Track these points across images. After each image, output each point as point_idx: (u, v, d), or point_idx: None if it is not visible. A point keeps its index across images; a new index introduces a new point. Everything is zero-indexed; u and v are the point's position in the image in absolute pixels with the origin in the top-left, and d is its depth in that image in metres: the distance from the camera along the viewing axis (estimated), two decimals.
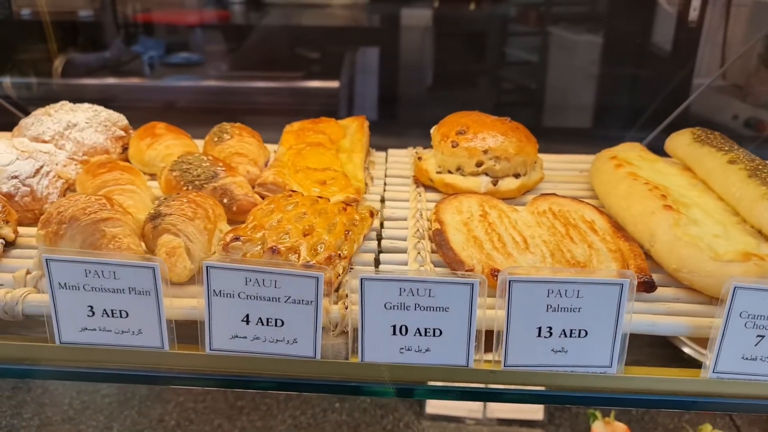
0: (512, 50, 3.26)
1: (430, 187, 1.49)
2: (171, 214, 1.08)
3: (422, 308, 0.96)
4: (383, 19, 3.30)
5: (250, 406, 2.03)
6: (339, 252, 1.09)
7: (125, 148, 1.53)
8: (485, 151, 1.40)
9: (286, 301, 0.95)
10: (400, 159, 1.68)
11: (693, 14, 2.63)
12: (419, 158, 1.51)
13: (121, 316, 0.97)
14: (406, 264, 1.19)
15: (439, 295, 0.95)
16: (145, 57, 3.08)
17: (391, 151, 1.71)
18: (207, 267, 0.93)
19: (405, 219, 1.36)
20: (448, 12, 3.15)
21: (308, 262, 1.04)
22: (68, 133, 1.47)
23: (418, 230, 1.28)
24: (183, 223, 1.07)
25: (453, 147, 1.42)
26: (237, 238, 1.06)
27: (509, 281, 0.94)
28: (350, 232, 1.14)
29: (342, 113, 3.11)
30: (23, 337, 1.00)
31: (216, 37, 3.26)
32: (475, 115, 1.50)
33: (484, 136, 1.42)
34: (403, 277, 0.94)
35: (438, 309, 0.96)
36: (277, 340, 0.98)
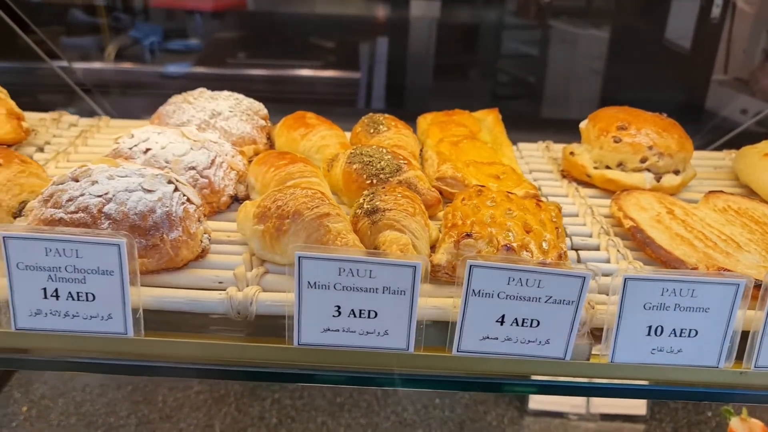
0: (520, 43, 3.28)
1: (582, 182, 1.47)
2: (391, 210, 1.04)
3: (681, 308, 0.93)
4: (389, 10, 3.29)
5: (350, 403, 1.99)
6: (563, 249, 1.06)
7: (267, 138, 1.47)
8: (650, 147, 1.38)
9: (546, 301, 0.92)
10: (534, 153, 1.65)
11: (715, 11, 2.65)
12: (571, 153, 1.48)
13: (369, 317, 0.93)
14: (607, 261, 1.16)
15: (701, 296, 0.92)
16: (145, 42, 3.00)
17: (520, 144, 1.69)
18: (471, 266, 0.90)
19: (576, 215, 1.33)
20: (457, 5, 3.16)
21: (543, 260, 1.01)
22: (214, 121, 1.40)
23: (601, 227, 1.26)
24: (406, 218, 1.03)
25: (615, 142, 1.40)
26: (469, 235, 1.02)
27: None
28: (559, 229, 1.12)
29: (359, 103, 3.07)
30: (256, 338, 0.95)
31: (225, 24, 3.20)
32: (630, 110, 1.48)
33: (648, 131, 1.40)
34: (668, 277, 0.92)
35: (698, 309, 0.93)
36: (529, 341, 0.95)
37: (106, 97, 2.38)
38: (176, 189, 1.03)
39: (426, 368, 0.96)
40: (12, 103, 1.46)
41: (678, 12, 2.77)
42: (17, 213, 1.06)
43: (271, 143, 1.47)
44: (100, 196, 0.98)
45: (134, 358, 0.95)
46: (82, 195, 0.98)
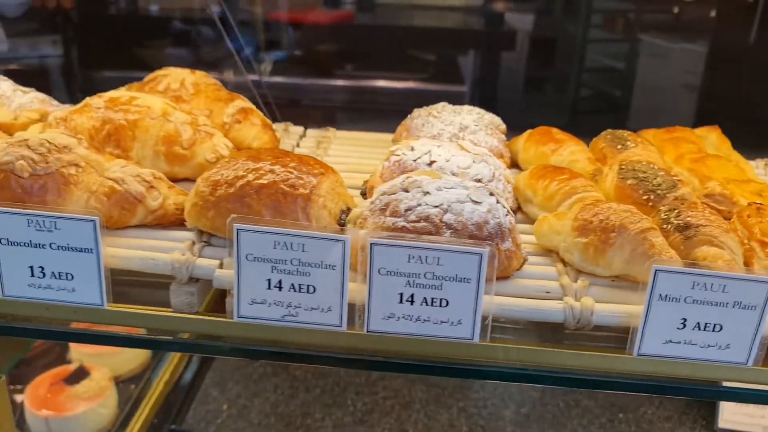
0: (613, 57, 3.29)
1: None
2: (705, 226, 1.06)
3: None
4: (482, 24, 3.34)
5: (535, 414, 2.01)
6: None
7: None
8: None
9: None
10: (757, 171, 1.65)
11: None
12: None
13: (713, 330, 0.95)
14: None
15: None
16: (245, 52, 3.10)
17: None
18: None
19: None
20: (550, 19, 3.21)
21: None
22: (462, 135, 1.45)
23: None
24: (722, 234, 1.05)
25: None
26: None
27: None
28: None
29: None
30: (598, 348, 0.99)
31: (329, 36, 3.28)
32: None
33: None
34: None
35: None
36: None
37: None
38: (497, 201, 1.07)
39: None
40: (262, 114, 1.54)
41: None
42: (341, 221, 1.12)
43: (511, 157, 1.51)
44: (437, 206, 1.03)
45: (475, 362, 1.00)
46: (419, 205, 1.03)
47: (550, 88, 3.55)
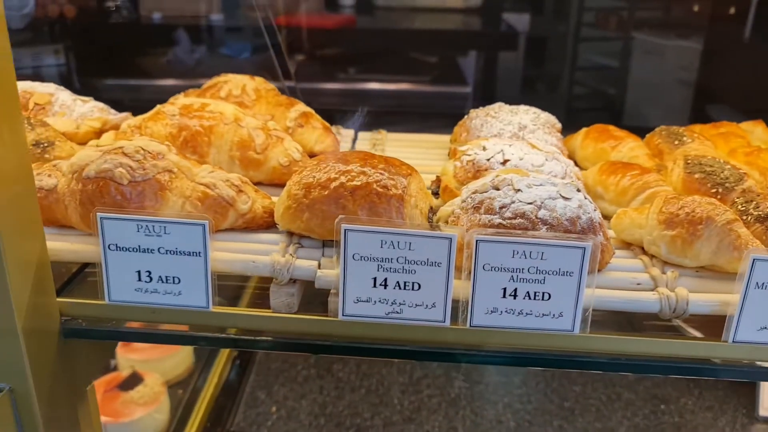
0: (609, 56, 3.36)
1: None
2: None
3: None
4: (479, 25, 3.40)
5: (579, 408, 2.04)
6: None
7: None
8: None
9: None
10: None
11: None
12: None
13: None
14: None
15: None
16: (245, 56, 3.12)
17: None
18: None
19: None
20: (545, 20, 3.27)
21: None
22: (522, 134, 1.48)
23: None
24: None
25: None
26: None
27: None
28: None
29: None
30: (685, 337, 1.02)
31: (336, 40, 3.31)
32: None
33: None
34: None
35: None
36: None
37: None
38: (585, 196, 1.10)
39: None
40: (321, 117, 1.56)
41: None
42: (430, 219, 1.15)
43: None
44: (530, 203, 1.05)
45: (575, 353, 1.03)
46: (513, 202, 1.06)
47: (551, 87, 3.60)
